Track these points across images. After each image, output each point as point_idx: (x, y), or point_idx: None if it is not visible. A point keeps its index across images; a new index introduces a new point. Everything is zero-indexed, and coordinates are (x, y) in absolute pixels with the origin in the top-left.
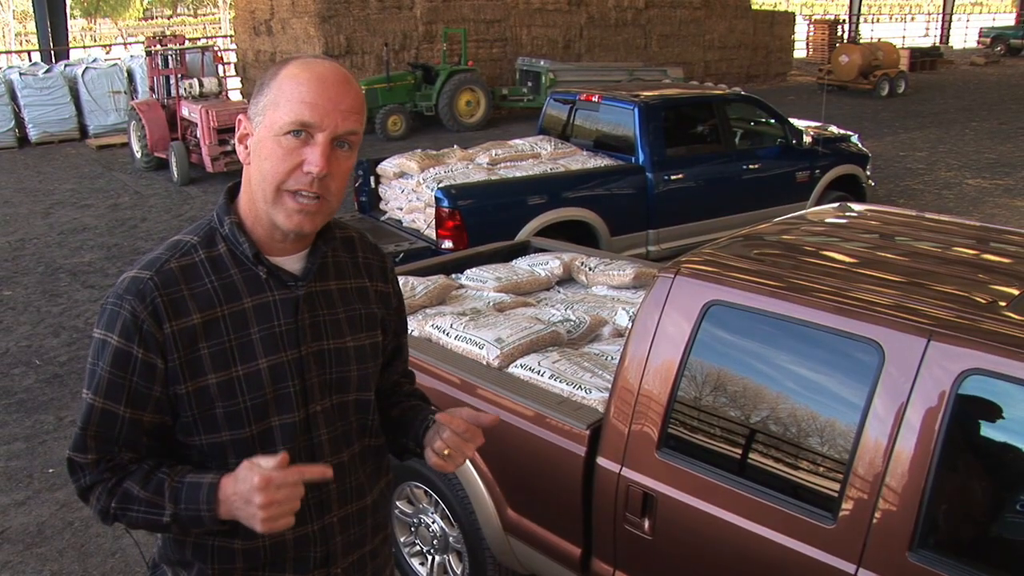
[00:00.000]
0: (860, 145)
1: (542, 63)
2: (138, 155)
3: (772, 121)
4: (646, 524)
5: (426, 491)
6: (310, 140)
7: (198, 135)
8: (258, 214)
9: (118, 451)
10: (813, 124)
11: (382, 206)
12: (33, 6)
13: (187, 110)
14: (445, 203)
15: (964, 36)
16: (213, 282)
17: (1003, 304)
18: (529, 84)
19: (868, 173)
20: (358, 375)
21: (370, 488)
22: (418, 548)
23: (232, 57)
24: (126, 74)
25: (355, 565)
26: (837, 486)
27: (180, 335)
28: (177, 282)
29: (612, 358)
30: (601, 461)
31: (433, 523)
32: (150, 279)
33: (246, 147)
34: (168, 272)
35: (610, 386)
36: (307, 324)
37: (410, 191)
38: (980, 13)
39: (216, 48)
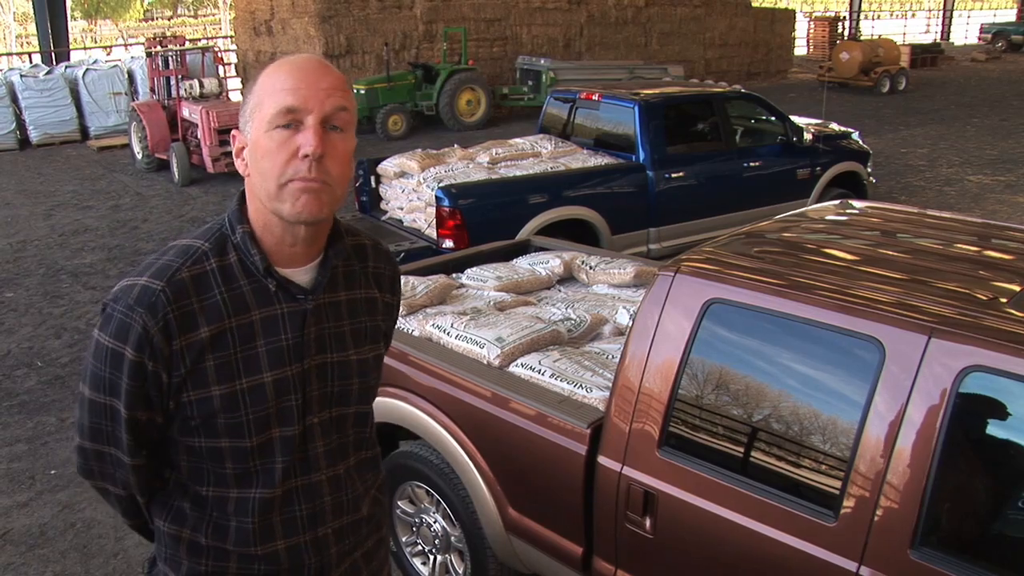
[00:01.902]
0: (861, 142)
1: (542, 62)
2: (139, 156)
3: (773, 119)
4: (647, 523)
5: (427, 491)
6: (300, 126)
7: (199, 136)
8: (267, 222)
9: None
10: (814, 121)
11: (383, 206)
12: (33, 8)
13: (188, 111)
14: (446, 202)
15: (965, 32)
16: (223, 293)
17: (1004, 301)
18: (529, 83)
19: (869, 170)
20: (359, 387)
21: (365, 498)
22: (420, 548)
23: (232, 58)
24: (127, 75)
25: (349, 571)
26: (838, 484)
27: (188, 349)
28: (188, 294)
29: (613, 357)
30: (602, 460)
31: (435, 523)
32: (162, 291)
33: (243, 159)
34: (179, 283)
35: (611, 385)
36: (312, 337)
37: (411, 191)
38: (981, 9)
39: (216, 49)
